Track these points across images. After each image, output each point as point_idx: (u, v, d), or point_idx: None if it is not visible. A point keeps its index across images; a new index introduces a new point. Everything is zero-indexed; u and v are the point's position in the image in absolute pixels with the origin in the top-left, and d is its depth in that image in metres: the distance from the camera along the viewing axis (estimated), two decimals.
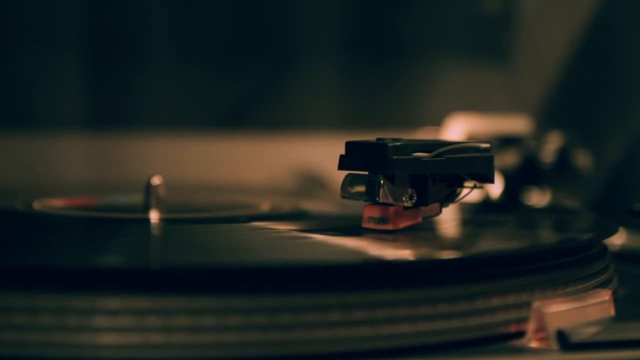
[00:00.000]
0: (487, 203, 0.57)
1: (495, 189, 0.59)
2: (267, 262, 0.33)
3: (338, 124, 0.76)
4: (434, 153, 0.38)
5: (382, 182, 0.37)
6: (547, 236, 0.44)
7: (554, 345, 0.32)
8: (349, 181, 0.38)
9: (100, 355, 0.29)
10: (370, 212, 0.38)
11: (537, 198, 0.60)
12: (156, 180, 0.45)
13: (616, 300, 0.36)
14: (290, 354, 0.30)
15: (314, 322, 0.30)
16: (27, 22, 0.72)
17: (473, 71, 0.78)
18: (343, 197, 0.38)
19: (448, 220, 0.43)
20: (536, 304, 0.33)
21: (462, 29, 0.79)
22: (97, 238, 0.40)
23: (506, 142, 0.61)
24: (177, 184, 0.55)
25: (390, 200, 0.37)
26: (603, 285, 0.37)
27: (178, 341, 0.29)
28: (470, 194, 0.40)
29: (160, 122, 0.74)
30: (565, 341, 0.32)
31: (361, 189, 0.38)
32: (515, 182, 0.60)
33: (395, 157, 0.37)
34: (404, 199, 0.38)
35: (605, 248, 0.40)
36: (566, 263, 0.36)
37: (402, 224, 0.38)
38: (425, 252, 0.36)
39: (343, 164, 0.38)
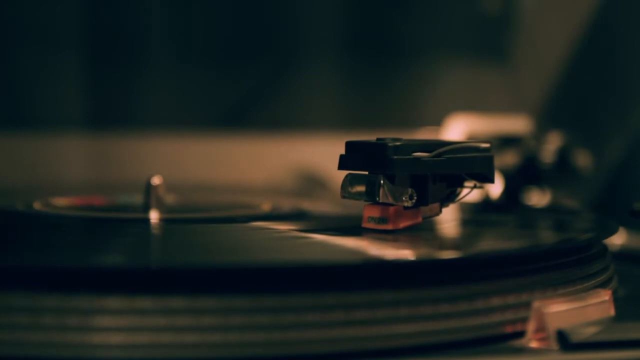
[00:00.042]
0: (487, 203, 0.57)
1: (495, 189, 0.59)
2: (267, 262, 0.33)
3: (338, 124, 0.76)
4: (434, 153, 0.38)
5: (382, 182, 0.37)
6: (547, 236, 0.44)
7: (554, 345, 0.32)
8: (349, 181, 0.38)
9: (101, 355, 0.29)
10: (370, 212, 0.38)
11: (537, 198, 0.60)
12: (156, 180, 0.45)
13: (616, 300, 0.36)
14: (290, 354, 0.30)
15: (314, 322, 0.30)
16: (27, 22, 0.72)
17: (473, 71, 0.78)
18: (343, 197, 0.38)
19: (448, 220, 0.43)
20: (536, 304, 0.33)
21: (462, 29, 0.79)
22: (97, 238, 0.40)
23: (506, 142, 0.61)
24: (177, 184, 0.55)
25: (390, 200, 0.37)
26: (603, 285, 0.37)
27: (178, 341, 0.29)
28: (470, 194, 0.40)
29: (160, 122, 0.74)
30: (565, 341, 0.32)
31: (361, 189, 0.38)
32: (515, 182, 0.60)
33: (395, 157, 0.37)
34: (404, 198, 0.38)
35: (605, 248, 0.40)
36: (566, 263, 0.36)
37: (402, 224, 0.38)
38: (425, 252, 0.36)
39: (343, 164, 0.38)
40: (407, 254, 0.35)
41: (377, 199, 0.37)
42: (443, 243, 0.39)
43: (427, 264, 0.33)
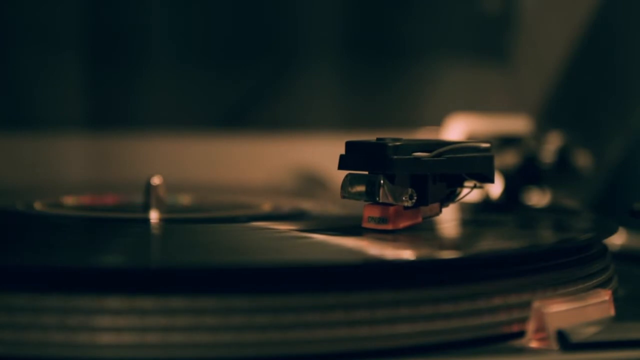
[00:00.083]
0: (487, 203, 0.57)
1: (495, 189, 0.59)
2: (267, 262, 0.33)
3: (338, 124, 0.76)
4: (434, 153, 0.38)
5: (382, 182, 0.37)
6: (547, 236, 0.44)
7: (554, 345, 0.32)
8: (349, 181, 0.38)
9: (101, 355, 0.29)
10: (370, 212, 0.38)
11: (537, 198, 0.60)
12: (156, 180, 0.45)
13: (616, 300, 0.36)
14: (290, 354, 0.30)
15: (314, 322, 0.30)
16: (27, 22, 0.72)
17: (473, 71, 0.78)
18: (343, 197, 0.38)
19: (448, 220, 0.43)
20: (536, 304, 0.33)
21: (462, 29, 0.79)
22: (97, 238, 0.40)
23: (506, 142, 0.61)
24: (177, 184, 0.55)
25: (390, 200, 0.37)
26: (603, 285, 0.37)
27: (179, 341, 0.29)
28: (470, 194, 0.40)
29: (160, 122, 0.74)
30: (565, 341, 0.32)
31: (361, 188, 0.38)
32: (515, 182, 0.60)
33: (395, 157, 0.37)
34: (404, 198, 0.38)
35: (605, 248, 0.40)
36: (566, 263, 0.36)
37: (402, 224, 0.38)
38: (425, 252, 0.36)
39: (343, 163, 0.38)
40: (407, 254, 0.35)
41: (377, 199, 0.37)
42: (443, 243, 0.39)
43: (427, 264, 0.33)
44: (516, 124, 0.64)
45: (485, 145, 0.40)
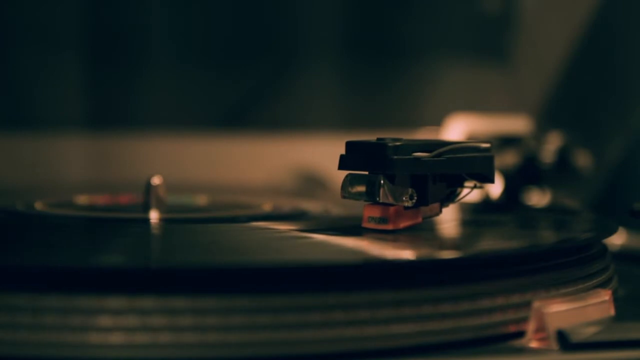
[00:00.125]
0: (487, 203, 0.57)
1: (495, 189, 0.59)
2: (268, 262, 0.33)
3: (338, 124, 0.76)
4: (434, 153, 0.38)
5: (382, 182, 0.37)
6: (547, 236, 0.44)
7: (554, 345, 0.32)
8: (349, 181, 0.38)
9: (101, 355, 0.29)
10: (371, 212, 0.38)
11: (537, 198, 0.60)
12: (156, 180, 0.45)
13: (616, 300, 0.36)
14: (291, 354, 0.30)
15: (315, 322, 0.30)
16: (27, 22, 0.72)
17: (473, 71, 0.78)
18: (343, 197, 0.38)
19: (448, 220, 0.43)
20: (536, 304, 0.33)
21: (462, 29, 0.79)
22: (97, 238, 0.40)
23: (506, 142, 0.62)
24: (177, 184, 0.55)
25: (390, 200, 0.37)
26: (603, 285, 0.37)
27: (180, 341, 0.29)
28: (470, 194, 0.40)
29: (160, 122, 0.74)
30: (565, 341, 0.32)
31: (361, 189, 0.38)
32: (515, 182, 0.60)
33: (395, 157, 0.37)
34: (404, 198, 0.38)
35: (605, 248, 0.40)
36: (566, 263, 0.36)
37: (402, 224, 0.38)
38: (425, 252, 0.36)
39: (343, 164, 0.38)
40: (407, 254, 0.35)
41: (377, 199, 0.37)
42: (443, 243, 0.39)
43: (428, 264, 0.33)
44: (516, 124, 0.64)
45: (485, 145, 0.40)
